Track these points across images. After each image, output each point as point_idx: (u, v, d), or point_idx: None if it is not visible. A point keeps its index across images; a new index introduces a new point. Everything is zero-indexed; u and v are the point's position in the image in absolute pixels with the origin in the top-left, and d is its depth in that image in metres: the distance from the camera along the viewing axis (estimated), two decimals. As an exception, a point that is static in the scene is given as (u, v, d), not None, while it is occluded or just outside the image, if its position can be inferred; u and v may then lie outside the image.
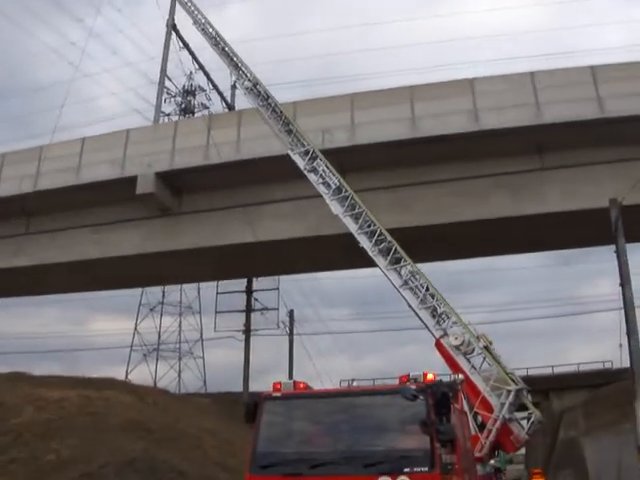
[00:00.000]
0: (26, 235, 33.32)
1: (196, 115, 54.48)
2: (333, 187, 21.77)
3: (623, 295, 19.74)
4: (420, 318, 18.86)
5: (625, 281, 19.75)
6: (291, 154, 23.07)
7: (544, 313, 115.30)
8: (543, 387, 42.24)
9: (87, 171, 31.26)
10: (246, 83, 24.91)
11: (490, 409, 16.72)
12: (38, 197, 31.62)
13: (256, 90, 24.64)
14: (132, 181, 29.96)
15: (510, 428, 16.69)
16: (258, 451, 11.26)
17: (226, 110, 45.75)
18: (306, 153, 22.75)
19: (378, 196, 25.97)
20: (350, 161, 26.13)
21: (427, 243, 27.35)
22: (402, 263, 19.68)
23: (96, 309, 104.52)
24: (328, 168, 22.28)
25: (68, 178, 31.33)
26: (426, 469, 10.18)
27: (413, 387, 10.78)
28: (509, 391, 16.86)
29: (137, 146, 31.17)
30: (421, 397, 10.61)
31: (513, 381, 17.17)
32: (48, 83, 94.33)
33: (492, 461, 19.16)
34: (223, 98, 47.84)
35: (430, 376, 11.14)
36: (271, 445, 11.40)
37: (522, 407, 17.52)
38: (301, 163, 22.71)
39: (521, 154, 27.19)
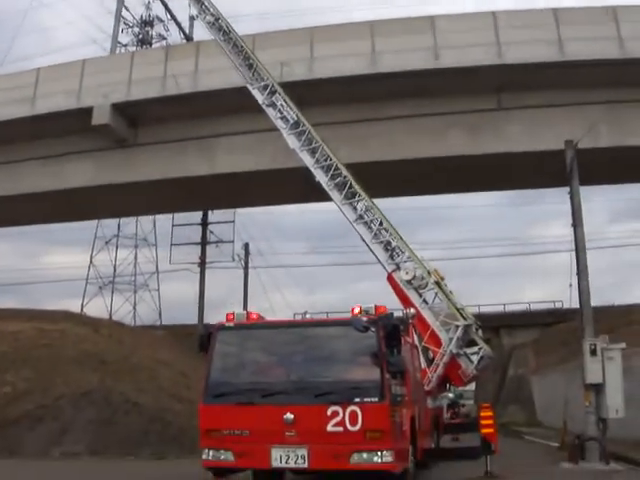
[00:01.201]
0: (-21, 167, 32.61)
1: (153, 47, 53.43)
2: (291, 122, 21.55)
3: (575, 236, 19.97)
4: (373, 252, 18.96)
5: (577, 222, 19.93)
6: (250, 88, 22.72)
7: (497, 252, 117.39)
8: (494, 324, 42.97)
9: (42, 102, 30.57)
10: (208, 17, 24.24)
11: (439, 344, 17.01)
12: (-8, 128, 30.96)
13: (217, 24, 24.11)
14: (88, 112, 29.46)
15: (458, 362, 17.00)
16: (211, 381, 11.42)
17: (184, 41, 45.08)
18: (265, 88, 22.42)
19: (335, 131, 25.77)
20: (308, 95, 25.83)
21: (382, 179, 27.31)
22: (357, 198, 19.70)
23: (50, 242, 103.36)
24: (287, 103, 22.03)
25: (23, 109, 30.63)
26: (376, 400, 10.42)
27: (364, 319, 10.95)
28: (457, 326, 17.14)
29: (93, 77, 30.49)
30: (372, 329, 10.79)
31: (463, 317, 17.40)
32: (4, 12, 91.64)
33: (450, 394, 19.57)
34: (181, 29, 47.18)
35: (382, 309, 11.32)
36: (224, 375, 11.55)
37: (473, 343, 17.79)
38: (260, 97, 22.41)
39: (480, 93, 27.26)
